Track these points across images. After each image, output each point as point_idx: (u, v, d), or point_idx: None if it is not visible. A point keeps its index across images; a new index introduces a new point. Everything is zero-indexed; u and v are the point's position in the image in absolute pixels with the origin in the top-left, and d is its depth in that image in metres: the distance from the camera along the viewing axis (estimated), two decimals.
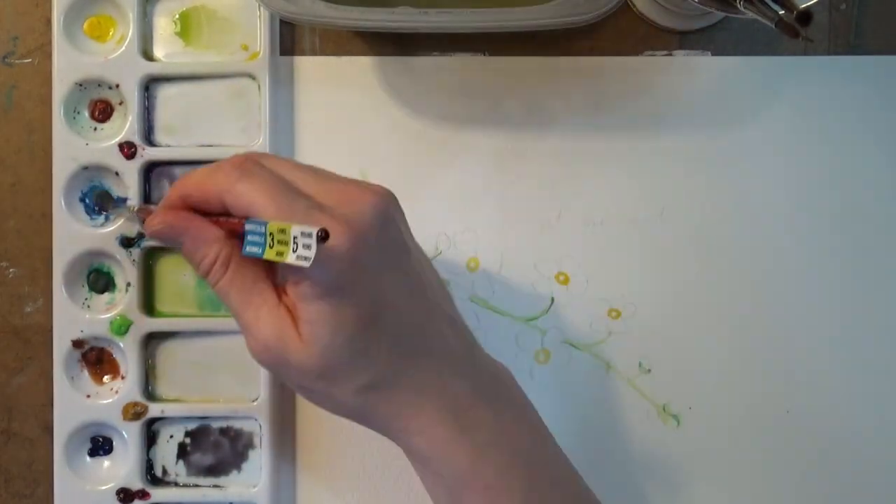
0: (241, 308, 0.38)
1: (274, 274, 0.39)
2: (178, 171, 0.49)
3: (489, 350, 0.49)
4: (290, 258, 0.34)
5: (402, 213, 0.40)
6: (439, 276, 0.41)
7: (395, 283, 0.38)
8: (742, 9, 0.40)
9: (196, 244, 0.39)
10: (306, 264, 0.34)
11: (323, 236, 0.34)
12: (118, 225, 0.49)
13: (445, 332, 0.40)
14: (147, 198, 0.49)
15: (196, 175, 0.39)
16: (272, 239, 0.35)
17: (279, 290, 0.38)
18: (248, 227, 0.36)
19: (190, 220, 0.39)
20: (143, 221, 0.42)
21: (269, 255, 0.35)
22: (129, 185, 0.49)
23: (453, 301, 0.43)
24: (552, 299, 0.50)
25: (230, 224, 0.39)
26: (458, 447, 0.39)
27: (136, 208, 0.46)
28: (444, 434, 0.39)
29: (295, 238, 0.34)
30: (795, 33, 0.38)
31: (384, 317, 0.38)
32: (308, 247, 0.34)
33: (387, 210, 0.38)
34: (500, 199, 0.50)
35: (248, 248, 0.36)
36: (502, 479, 0.39)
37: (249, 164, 0.38)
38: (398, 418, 0.39)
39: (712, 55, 0.49)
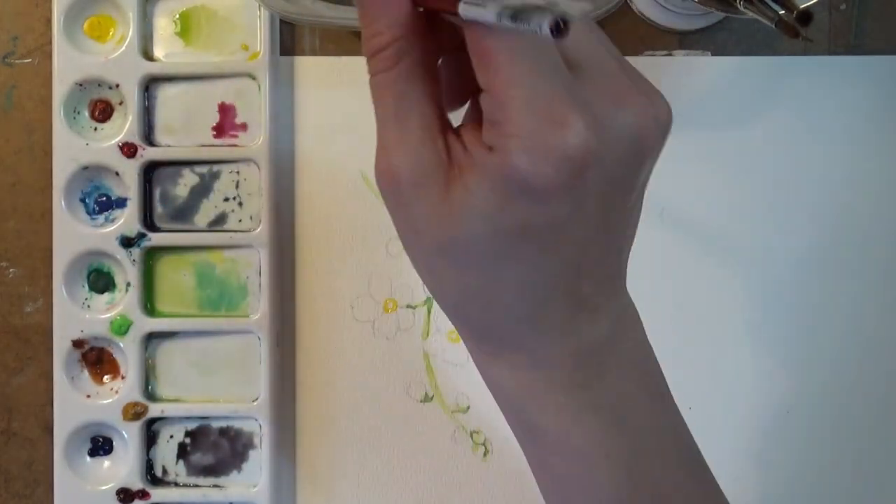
0: (390, 117, 0.30)
1: (443, 113, 0.31)
2: (178, 171, 0.49)
3: None
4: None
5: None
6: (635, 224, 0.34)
7: (596, 218, 0.29)
8: (742, 9, 0.40)
9: (377, 11, 0.30)
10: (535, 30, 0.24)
11: (558, 27, 0.24)
12: (119, 224, 0.49)
13: (602, 283, 0.32)
14: (147, 197, 0.49)
15: None
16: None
17: (446, 130, 0.30)
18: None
19: None
20: None
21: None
22: (129, 185, 0.49)
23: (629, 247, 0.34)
24: None
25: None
26: (551, 400, 0.32)
27: None
28: (540, 383, 0.32)
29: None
30: (795, 33, 0.38)
31: (555, 246, 0.29)
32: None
33: (659, 139, 0.30)
34: None
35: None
36: (599, 447, 0.32)
37: None
38: (498, 348, 0.32)
39: (712, 55, 0.49)
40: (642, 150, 0.29)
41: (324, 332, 0.50)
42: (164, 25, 0.50)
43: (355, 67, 0.50)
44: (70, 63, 0.49)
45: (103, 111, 0.50)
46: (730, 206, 0.49)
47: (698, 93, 0.49)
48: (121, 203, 0.49)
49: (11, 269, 0.50)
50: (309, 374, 0.50)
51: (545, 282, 0.30)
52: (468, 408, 0.50)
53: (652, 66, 0.50)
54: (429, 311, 0.50)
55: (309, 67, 0.50)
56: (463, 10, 0.27)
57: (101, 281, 0.50)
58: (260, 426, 0.49)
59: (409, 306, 0.50)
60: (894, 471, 0.49)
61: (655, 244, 0.50)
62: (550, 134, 0.27)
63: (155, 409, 0.49)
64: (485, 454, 0.50)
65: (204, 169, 0.50)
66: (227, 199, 0.50)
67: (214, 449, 0.50)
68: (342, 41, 0.50)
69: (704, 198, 0.50)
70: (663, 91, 0.49)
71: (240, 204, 0.50)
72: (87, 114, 0.50)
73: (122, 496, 0.48)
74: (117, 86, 0.49)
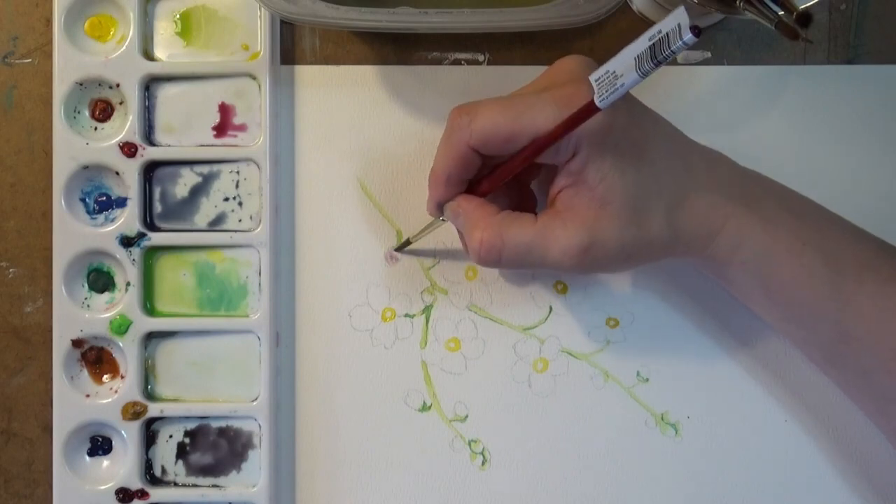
0: (535, 237, 0.41)
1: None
2: (178, 171, 0.49)
3: (486, 360, 0.49)
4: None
5: None
6: None
7: (630, 111, 0.41)
8: (742, 10, 0.40)
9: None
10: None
11: (696, 30, 0.32)
12: (119, 224, 0.49)
13: (682, 139, 0.44)
14: (147, 197, 0.49)
15: (437, 157, 0.43)
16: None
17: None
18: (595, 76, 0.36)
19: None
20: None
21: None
22: (129, 185, 0.49)
23: None
24: (550, 308, 0.50)
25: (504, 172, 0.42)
26: (753, 224, 0.42)
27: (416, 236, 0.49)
28: (739, 219, 0.42)
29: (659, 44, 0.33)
30: (795, 35, 0.38)
31: (644, 144, 0.41)
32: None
33: (591, 62, 0.42)
34: None
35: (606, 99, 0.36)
36: (798, 238, 0.42)
37: (465, 108, 0.41)
38: (702, 225, 0.42)
39: (712, 55, 0.49)
40: (592, 65, 0.42)
41: (323, 340, 0.50)
42: (164, 25, 0.50)
43: (355, 75, 0.50)
44: (70, 63, 0.49)
45: (103, 111, 0.50)
46: None
47: (696, 101, 0.49)
48: (121, 203, 0.49)
49: (11, 269, 0.50)
50: (308, 374, 0.50)
51: (666, 161, 0.42)
52: (466, 417, 0.50)
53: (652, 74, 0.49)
54: (427, 321, 0.50)
55: (309, 75, 0.50)
56: (601, 102, 0.36)
57: (100, 280, 0.50)
58: (259, 426, 0.49)
59: (407, 315, 0.50)
60: (893, 476, 0.49)
61: None
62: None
63: (154, 409, 0.49)
64: (483, 463, 0.50)
65: (204, 169, 0.50)
66: (226, 199, 0.50)
67: (213, 449, 0.50)
68: (342, 42, 0.50)
69: None
70: (662, 98, 0.49)
71: (240, 204, 0.50)
72: (87, 113, 0.50)
73: (121, 496, 0.49)
74: (118, 85, 0.49)
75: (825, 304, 0.42)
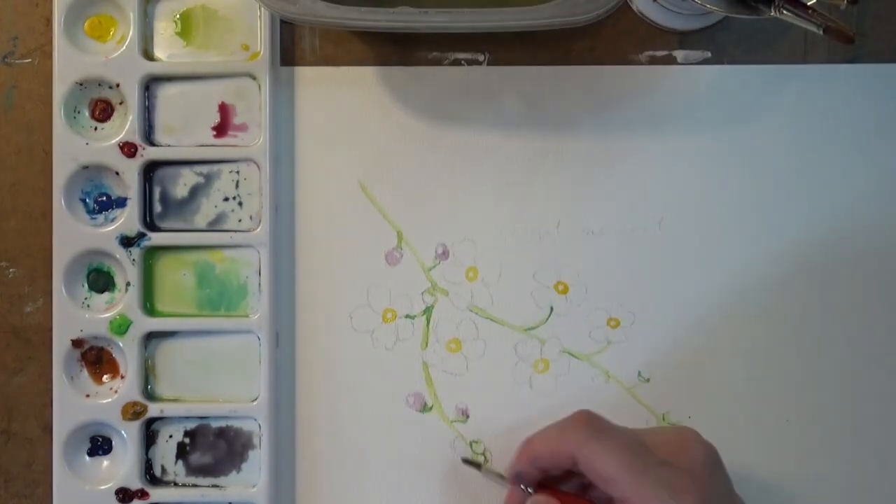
0: None
1: None
2: (178, 171, 0.49)
3: (487, 361, 0.49)
4: None
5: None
6: None
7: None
8: (778, 15, 0.39)
9: None
10: None
11: None
12: (119, 224, 0.49)
13: None
14: (147, 197, 0.49)
15: (545, 435, 0.44)
16: None
17: None
18: None
19: None
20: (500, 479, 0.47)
21: None
22: (129, 185, 0.49)
23: None
24: (551, 308, 0.50)
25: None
26: None
27: (488, 470, 0.48)
28: None
29: None
30: (849, 38, 0.36)
31: None
32: None
33: (716, 457, 0.43)
34: (499, 207, 0.50)
35: None
36: None
37: (595, 421, 0.43)
38: None
39: (712, 55, 0.49)
40: (719, 465, 0.43)
41: (323, 341, 0.50)
42: (164, 25, 0.50)
43: (355, 76, 0.50)
44: (70, 63, 0.49)
45: (103, 111, 0.50)
46: (728, 215, 0.49)
47: (698, 101, 0.49)
48: (121, 203, 0.49)
49: (11, 269, 0.50)
50: (308, 375, 0.50)
51: None
52: (468, 418, 0.50)
53: (652, 74, 0.49)
54: (427, 321, 0.50)
55: (309, 75, 0.50)
56: None
57: (100, 280, 0.50)
58: (259, 426, 0.49)
59: (407, 316, 0.50)
60: (893, 478, 0.49)
61: (654, 253, 0.49)
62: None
63: (154, 409, 0.49)
64: (484, 464, 0.50)
65: (204, 169, 0.50)
66: (226, 199, 0.50)
67: (213, 449, 0.50)
68: (342, 42, 0.50)
69: (702, 206, 0.49)
70: (663, 99, 0.49)
71: (240, 204, 0.50)
72: (87, 113, 0.50)
73: (121, 496, 0.49)
74: (117, 85, 0.49)
75: None
